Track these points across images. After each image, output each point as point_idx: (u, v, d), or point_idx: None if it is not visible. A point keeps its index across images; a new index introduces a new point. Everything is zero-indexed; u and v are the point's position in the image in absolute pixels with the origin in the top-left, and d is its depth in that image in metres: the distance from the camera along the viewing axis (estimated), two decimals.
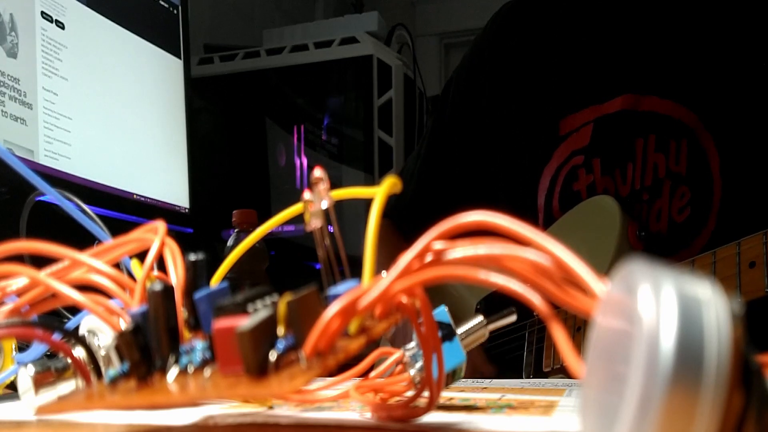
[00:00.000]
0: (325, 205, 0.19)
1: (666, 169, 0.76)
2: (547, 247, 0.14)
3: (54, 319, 0.41)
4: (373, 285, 0.16)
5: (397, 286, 0.15)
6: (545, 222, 0.82)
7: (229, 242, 0.91)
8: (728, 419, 0.10)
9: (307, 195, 0.19)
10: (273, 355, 0.15)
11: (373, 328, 0.16)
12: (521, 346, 0.78)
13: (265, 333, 0.16)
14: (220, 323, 0.16)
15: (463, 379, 0.64)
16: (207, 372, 0.17)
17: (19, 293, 0.25)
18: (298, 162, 1.52)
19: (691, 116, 0.75)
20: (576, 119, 0.82)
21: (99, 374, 0.24)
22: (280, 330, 0.16)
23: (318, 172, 0.19)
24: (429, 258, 0.15)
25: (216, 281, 0.26)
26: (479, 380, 0.56)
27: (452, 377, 0.28)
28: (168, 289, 0.18)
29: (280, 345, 0.15)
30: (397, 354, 0.28)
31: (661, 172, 0.76)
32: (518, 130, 0.86)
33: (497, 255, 0.15)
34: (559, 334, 0.14)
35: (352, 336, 0.16)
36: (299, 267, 1.40)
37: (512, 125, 0.86)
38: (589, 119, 0.80)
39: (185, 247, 0.23)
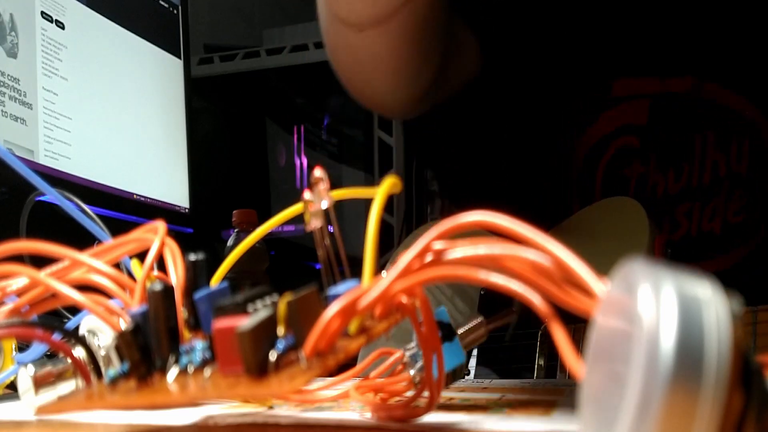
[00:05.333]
0: (325, 205, 0.19)
1: (726, 168, 0.73)
2: (547, 247, 0.14)
3: (54, 319, 0.41)
4: (373, 285, 0.16)
5: (397, 286, 0.15)
6: (578, 189, 0.76)
7: (229, 242, 0.91)
8: (728, 419, 0.10)
9: (307, 195, 0.19)
10: (273, 355, 0.15)
11: (373, 328, 0.16)
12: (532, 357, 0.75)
13: (265, 333, 0.16)
14: (220, 323, 0.16)
15: (463, 380, 0.64)
16: (207, 372, 0.17)
17: (19, 293, 0.25)
18: (298, 162, 1.52)
19: (756, 111, 0.72)
20: (633, 85, 0.75)
21: (99, 374, 0.24)
22: (280, 330, 0.16)
23: (318, 172, 0.19)
24: (429, 258, 0.15)
25: (216, 281, 0.26)
26: (479, 380, 0.56)
27: (452, 377, 0.28)
28: (168, 289, 0.18)
29: (280, 345, 0.15)
30: (397, 354, 0.28)
31: (720, 172, 0.73)
32: (565, 89, 0.78)
33: (497, 255, 0.15)
34: (560, 335, 0.14)
35: (352, 336, 0.16)
36: (299, 267, 1.41)
37: (560, 84, 0.78)
38: (648, 92, 0.74)
39: (185, 247, 0.23)
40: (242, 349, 0.15)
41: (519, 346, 0.77)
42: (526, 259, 0.14)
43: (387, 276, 0.16)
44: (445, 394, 0.35)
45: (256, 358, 0.15)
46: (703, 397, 0.10)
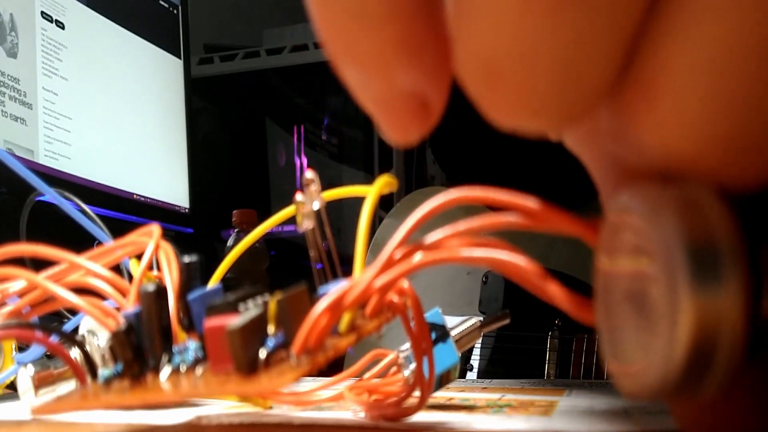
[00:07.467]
0: (317, 206, 0.19)
1: None
2: (523, 204, 0.14)
3: (53, 320, 0.41)
4: (358, 280, 0.16)
5: (382, 279, 0.16)
6: None
7: (229, 242, 0.92)
8: (747, 296, 0.11)
9: (299, 197, 0.19)
10: (263, 353, 0.16)
11: (363, 326, 0.17)
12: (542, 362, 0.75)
13: (255, 331, 0.16)
14: (211, 322, 0.16)
15: (463, 380, 0.64)
16: (199, 370, 0.17)
17: (21, 294, 0.25)
18: (298, 162, 1.52)
19: None
20: None
21: (95, 375, 0.24)
22: (271, 328, 0.16)
23: (309, 174, 0.19)
24: (410, 248, 0.15)
25: (215, 281, 0.26)
26: (479, 380, 0.56)
27: (447, 378, 0.28)
28: (160, 290, 0.18)
29: (270, 343, 0.16)
30: (391, 356, 0.29)
31: None
32: None
33: (475, 227, 0.15)
34: (556, 291, 0.14)
35: (342, 334, 0.16)
36: (299, 267, 1.41)
37: None
38: None
39: (185, 247, 0.23)
40: (232, 347, 0.15)
41: (527, 350, 0.76)
42: (503, 222, 0.14)
43: (370, 269, 0.16)
44: (445, 394, 0.35)
45: (246, 356, 0.15)
46: (725, 285, 0.11)
